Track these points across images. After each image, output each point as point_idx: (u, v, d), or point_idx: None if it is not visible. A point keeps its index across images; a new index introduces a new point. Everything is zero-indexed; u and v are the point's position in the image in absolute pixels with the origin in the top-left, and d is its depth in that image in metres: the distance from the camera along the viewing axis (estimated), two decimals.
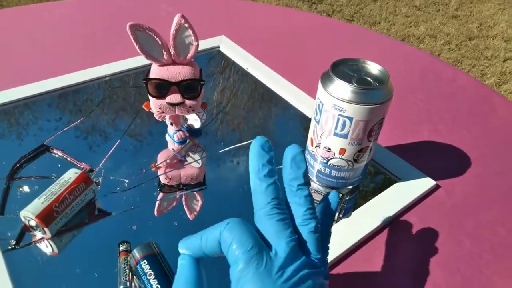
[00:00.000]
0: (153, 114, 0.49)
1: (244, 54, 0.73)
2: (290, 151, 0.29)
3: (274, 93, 0.67)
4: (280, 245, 0.27)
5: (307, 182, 0.29)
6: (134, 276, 0.37)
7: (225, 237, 0.27)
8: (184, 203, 0.47)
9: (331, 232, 0.32)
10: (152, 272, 0.35)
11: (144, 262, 0.35)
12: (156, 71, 0.47)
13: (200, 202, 0.48)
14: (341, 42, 0.85)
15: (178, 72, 0.47)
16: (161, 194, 0.48)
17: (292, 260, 0.26)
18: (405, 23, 2.51)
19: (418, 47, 2.26)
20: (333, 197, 0.33)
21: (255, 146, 0.29)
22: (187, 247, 0.29)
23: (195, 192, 0.49)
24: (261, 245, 0.27)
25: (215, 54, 0.75)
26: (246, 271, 0.25)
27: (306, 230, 0.28)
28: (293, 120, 0.63)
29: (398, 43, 0.88)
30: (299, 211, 0.28)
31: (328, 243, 0.31)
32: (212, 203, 0.48)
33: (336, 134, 0.44)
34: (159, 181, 0.50)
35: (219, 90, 0.67)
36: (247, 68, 0.70)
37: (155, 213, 0.46)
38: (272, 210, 0.27)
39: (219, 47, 0.76)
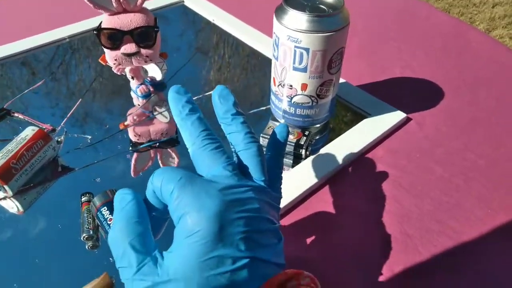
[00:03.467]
0: (111, 68, 0.48)
1: (210, 7, 0.70)
2: (216, 91, 0.29)
3: (240, 42, 0.65)
4: (216, 170, 0.26)
5: (239, 112, 0.28)
6: (99, 226, 0.37)
7: (155, 182, 0.26)
8: (159, 162, 0.46)
9: (283, 163, 0.31)
10: (112, 217, 0.34)
11: (104, 209, 0.35)
12: (107, 21, 0.45)
13: (176, 160, 0.47)
14: None
15: (129, 20, 0.45)
16: (135, 155, 0.47)
17: (229, 179, 0.25)
18: None
19: None
20: (280, 128, 0.32)
21: (171, 94, 0.28)
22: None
23: (169, 150, 0.48)
24: (193, 174, 0.26)
25: (180, 10, 0.72)
26: (183, 195, 0.24)
27: (248, 154, 0.27)
28: (260, 64, 0.61)
29: None
30: (238, 138, 0.28)
31: (281, 173, 0.31)
32: (188, 158, 0.47)
33: (295, 69, 0.42)
34: (130, 140, 0.49)
35: (184, 43, 0.65)
36: (213, 20, 0.68)
37: (132, 174, 0.45)
38: (203, 141, 0.27)
39: (183, 1, 0.73)
